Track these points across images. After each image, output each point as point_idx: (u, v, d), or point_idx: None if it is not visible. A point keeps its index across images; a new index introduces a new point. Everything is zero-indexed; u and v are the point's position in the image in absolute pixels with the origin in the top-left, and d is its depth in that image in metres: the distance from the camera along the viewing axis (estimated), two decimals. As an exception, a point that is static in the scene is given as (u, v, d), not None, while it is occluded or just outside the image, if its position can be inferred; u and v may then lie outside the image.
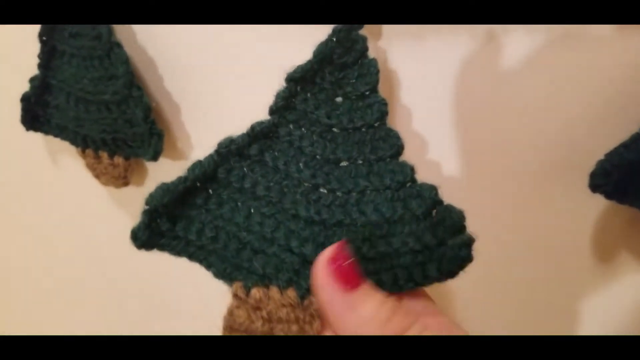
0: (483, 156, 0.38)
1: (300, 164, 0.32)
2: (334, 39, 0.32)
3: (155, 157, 0.42)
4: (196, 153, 0.45)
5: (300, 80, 0.33)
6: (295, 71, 0.32)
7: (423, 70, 0.36)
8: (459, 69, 0.35)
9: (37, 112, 0.47)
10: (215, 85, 0.42)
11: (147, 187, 0.49)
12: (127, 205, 0.51)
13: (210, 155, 0.33)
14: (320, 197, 0.32)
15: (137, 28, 0.43)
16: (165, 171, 0.40)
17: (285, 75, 0.33)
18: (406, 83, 0.37)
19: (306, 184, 0.32)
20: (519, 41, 0.34)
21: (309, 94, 0.33)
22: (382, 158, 0.31)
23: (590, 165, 0.33)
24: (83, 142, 0.46)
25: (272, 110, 0.33)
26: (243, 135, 0.33)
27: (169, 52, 0.43)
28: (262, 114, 0.33)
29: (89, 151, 0.47)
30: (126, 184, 0.47)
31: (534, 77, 0.34)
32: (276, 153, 0.33)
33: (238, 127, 0.33)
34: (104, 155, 0.46)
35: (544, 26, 0.33)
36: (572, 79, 0.34)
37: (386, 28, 0.35)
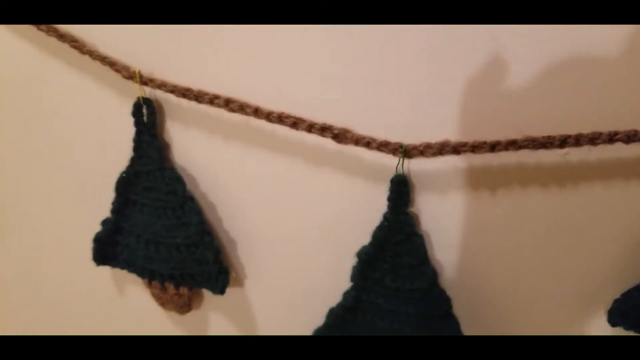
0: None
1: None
2: (386, 223, 0.42)
3: (222, 292, 0.49)
4: (250, 282, 0.52)
5: (366, 257, 0.44)
6: (361, 251, 0.44)
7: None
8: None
9: (107, 250, 0.53)
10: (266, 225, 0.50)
11: (205, 310, 0.55)
12: (190, 330, 0.57)
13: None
14: None
15: (201, 178, 0.50)
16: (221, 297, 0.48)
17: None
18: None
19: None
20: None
21: (376, 266, 0.43)
22: (435, 315, 0.41)
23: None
24: (150, 275, 0.53)
25: (352, 279, 0.45)
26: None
27: (228, 196, 0.50)
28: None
29: (155, 283, 0.53)
30: (189, 310, 0.53)
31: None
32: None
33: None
34: (170, 286, 0.53)
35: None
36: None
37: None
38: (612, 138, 0.37)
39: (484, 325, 0.46)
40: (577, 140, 0.38)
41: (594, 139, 0.37)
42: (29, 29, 0.48)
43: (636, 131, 0.37)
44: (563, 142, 0.38)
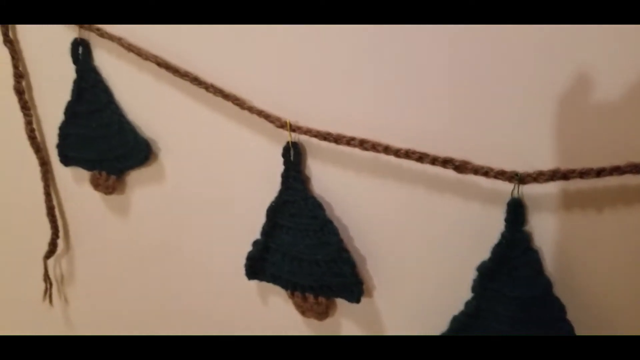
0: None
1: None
2: (504, 241, 0.49)
3: (358, 301, 0.59)
4: (378, 292, 0.61)
5: (486, 270, 0.52)
6: (482, 265, 0.52)
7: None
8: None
9: (257, 267, 0.64)
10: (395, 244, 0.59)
11: (338, 317, 0.65)
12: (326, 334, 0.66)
13: None
14: None
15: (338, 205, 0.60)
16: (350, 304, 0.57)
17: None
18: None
19: None
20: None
21: (495, 278, 0.51)
22: (551, 319, 0.48)
23: None
24: (293, 287, 0.63)
25: (472, 290, 0.52)
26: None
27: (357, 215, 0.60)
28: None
29: (297, 293, 0.63)
30: (326, 317, 0.63)
31: None
32: None
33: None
34: (310, 297, 0.62)
35: None
36: None
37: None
38: None
39: (594, 328, 0.52)
40: (677, 165, 0.44)
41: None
42: (199, 90, 0.61)
43: None
44: (663, 167, 0.44)
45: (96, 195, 0.76)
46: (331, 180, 0.59)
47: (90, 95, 0.69)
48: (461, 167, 0.51)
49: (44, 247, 0.83)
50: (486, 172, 0.50)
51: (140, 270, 0.78)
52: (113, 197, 0.75)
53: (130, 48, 0.64)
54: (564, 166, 0.48)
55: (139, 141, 0.67)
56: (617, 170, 0.45)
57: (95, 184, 0.73)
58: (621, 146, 0.46)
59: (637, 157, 0.45)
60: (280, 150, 0.59)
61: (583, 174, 0.46)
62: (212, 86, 0.60)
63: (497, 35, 0.48)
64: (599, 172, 0.46)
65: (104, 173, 0.72)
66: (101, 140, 0.70)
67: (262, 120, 0.58)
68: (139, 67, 0.65)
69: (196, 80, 0.61)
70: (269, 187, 0.61)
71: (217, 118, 0.62)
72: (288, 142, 0.58)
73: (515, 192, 0.50)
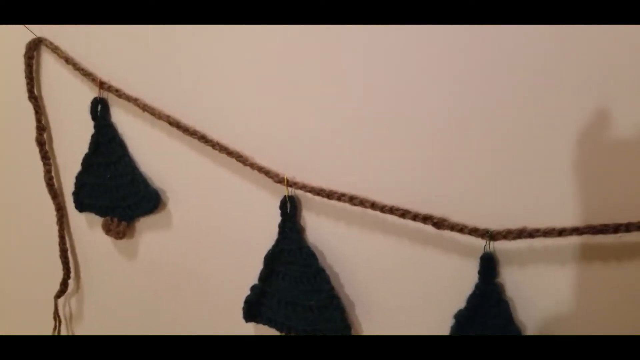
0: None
1: None
2: (477, 292, 0.54)
3: (347, 344, 0.63)
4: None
5: (462, 318, 0.56)
6: (458, 314, 0.57)
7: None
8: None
9: (254, 310, 0.69)
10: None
11: None
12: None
13: None
14: None
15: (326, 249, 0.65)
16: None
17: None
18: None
19: None
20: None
21: (470, 326, 0.55)
22: None
23: None
24: (287, 330, 0.67)
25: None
26: None
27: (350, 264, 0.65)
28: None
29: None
30: (318, 359, 0.67)
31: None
32: None
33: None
34: (303, 339, 0.67)
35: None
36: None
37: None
38: None
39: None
40: (627, 227, 0.49)
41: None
42: (206, 147, 0.67)
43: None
44: (616, 229, 0.49)
45: (107, 240, 0.81)
46: (324, 231, 0.65)
47: (106, 149, 0.76)
48: (439, 223, 0.56)
49: (56, 287, 0.89)
50: (461, 229, 0.55)
51: (146, 312, 0.83)
52: (123, 242, 0.80)
53: (145, 108, 0.71)
54: (532, 225, 0.53)
55: (150, 191, 0.74)
56: (576, 231, 0.51)
57: (107, 229, 0.79)
58: (583, 207, 0.52)
59: (596, 218, 0.51)
60: (278, 203, 0.65)
61: (546, 233, 0.52)
62: (218, 144, 0.67)
63: (466, 117, 0.54)
64: (561, 232, 0.52)
65: (115, 219, 0.78)
66: (114, 189, 0.76)
67: (262, 176, 0.65)
68: (152, 124, 0.72)
69: (203, 138, 0.67)
70: (267, 236, 0.67)
71: (221, 172, 0.69)
72: (285, 196, 0.64)
73: (488, 247, 0.55)
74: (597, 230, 0.50)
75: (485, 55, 0.52)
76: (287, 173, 0.64)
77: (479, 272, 0.56)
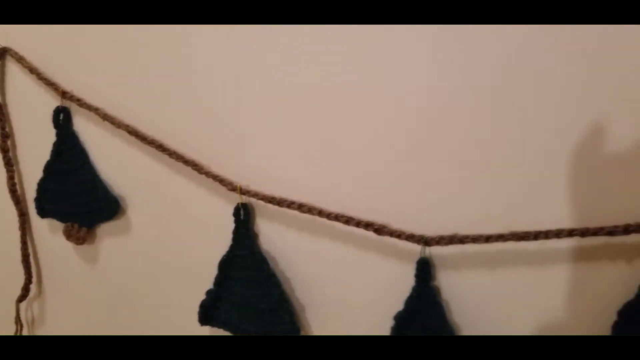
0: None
1: None
2: (415, 294, 0.58)
3: (296, 345, 0.66)
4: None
5: (400, 320, 0.60)
6: (397, 315, 0.60)
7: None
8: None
9: (209, 314, 0.72)
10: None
11: None
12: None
13: None
14: None
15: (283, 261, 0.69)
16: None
17: None
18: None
19: None
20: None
21: (409, 327, 0.59)
22: None
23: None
24: (241, 332, 0.70)
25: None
26: None
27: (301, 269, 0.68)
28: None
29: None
30: None
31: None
32: None
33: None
34: (256, 341, 0.70)
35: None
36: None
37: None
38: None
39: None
40: (546, 234, 0.54)
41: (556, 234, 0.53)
42: (164, 156, 0.70)
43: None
44: (536, 235, 0.54)
45: (69, 245, 0.83)
46: (277, 237, 0.68)
47: (68, 156, 0.78)
48: (380, 230, 0.60)
49: (18, 291, 0.90)
50: (399, 235, 0.59)
51: (107, 315, 0.85)
52: (84, 247, 0.82)
53: (105, 117, 0.73)
54: (463, 231, 0.57)
55: (109, 198, 0.76)
56: (501, 238, 0.55)
57: (68, 235, 0.81)
58: (507, 215, 0.56)
59: (520, 225, 0.55)
60: (232, 210, 0.68)
61: (475, 239, 0.56)
62: (175, 153, 0.70)
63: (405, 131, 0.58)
64: (488, 238, 0.56)
65: (76, 225, 0.80)
66: (75, 196, 0.79)
67: (217, 184, 0.68)
68: (113, 133, 0.75)
69: (161, 147, 0.70)
70: (222, 242, 0.70)
71: (178, 180, 0.71)
72: (238, 204, 0.67)
73: (423, 252, 0.59)
74: (520, 237, 0.54)
75: (423, 65, 0.57)
76: (243, 182, 0.67)
77: (416, 276, 0.60)
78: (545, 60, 0.52)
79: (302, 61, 0.61)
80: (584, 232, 0.52)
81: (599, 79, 0.50)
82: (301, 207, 0.64)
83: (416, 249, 0.60)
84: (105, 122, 0.74)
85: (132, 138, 0.72)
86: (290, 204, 0.64)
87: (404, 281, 0.61)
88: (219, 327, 0.72)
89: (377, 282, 0.64)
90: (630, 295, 0.53)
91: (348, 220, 0.61)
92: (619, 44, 0.49)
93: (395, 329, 0.61)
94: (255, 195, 0.66)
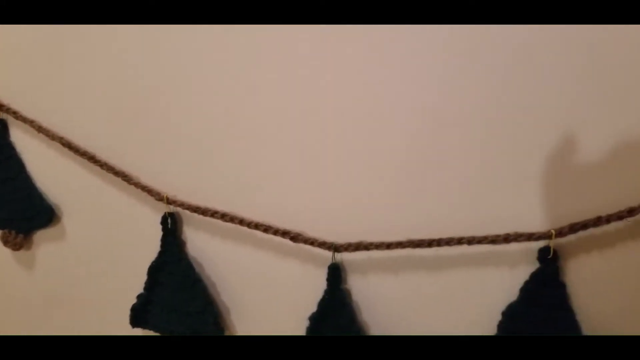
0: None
1: None
2: (327, 297, 0.63)
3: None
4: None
5: (314, 321, 0.65)
6: (311, 316, 0.63)
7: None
8: (393, 293, 0.65)
9: (140, 317, 0.75)
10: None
11: None
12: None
13: None
14: None
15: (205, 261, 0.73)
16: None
17: None
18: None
19: None
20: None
21: (322, 327, 0.64)
22: None
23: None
24: (170, 333, 0.74)
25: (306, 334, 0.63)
26: None
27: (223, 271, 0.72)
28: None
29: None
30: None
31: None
32: None
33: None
34: (184, 342, 0.74)
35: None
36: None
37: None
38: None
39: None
40: (439, 242, 0.59)
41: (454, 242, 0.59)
42: (95, 167, 0.73)
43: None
44: (430, 243, 0.59)
45: (6, 251, 0.85)
46: (203, 245, 0.72)
47: (5, 166, 0.80)
48: (295, 237, 0.65)
49: (-44, 297, 0.92)
50: (312, 242, 0.64)
51: (43, 319, 0.87)
52: (21, 253, 0.85)
53: (40, 129, 0.76)
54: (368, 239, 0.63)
55: (45, 206, 0.79)
56: (400, 245, 0.61)
57: (5, 241, 0.83)
58: (411, 223, 0.62)
59: (416, 233, 0.61)
60: (160, 219, 0.72)
61: (377, 246, 0.62)
62: (106, 164, 0.73)
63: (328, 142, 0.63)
64: (389, 245, 0.61)
65: (13, 232, 0.82)
66: (12, 204, 0.81)
67: (145, 194, 0.71)
68: (48, 145, 0.77)
69: (93, 159, 0.73)
70: (152, 249, 0.73)
71: (109, 190, 0.75)
72: (166, 213, 0.71)
73: (334, 258, 0.64)
74: (416, 244, 0.60)
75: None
76: (172, 193, 0.71)
77: (327, 280, 0.65)
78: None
79: (217, 80, 0.66)
80: (470, 241, 0.58)
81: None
82: (224, 217, 0.68)
83: (328, 255, 0.65)
84: (41, 134, 0.76)
85: (66, 149, 0.75)
86: (213, 213, 0.68)
87: (318, 285, 0.66)
88: (150, 329, 0.76)
89: (294, 286, 0.68)
90: (512, 297, 0.59)
91: (266, 229, 0.66)
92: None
93: (310, 328, 0.66)
94: (182, 205, 0.70)
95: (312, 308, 0.66)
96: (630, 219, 0.53)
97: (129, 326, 0.76)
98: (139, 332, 0.78)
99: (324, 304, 0.65)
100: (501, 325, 0.60)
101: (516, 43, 0.53)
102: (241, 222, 0.67)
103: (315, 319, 0.65)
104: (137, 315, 0.75)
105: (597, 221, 0.54)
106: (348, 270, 0.66)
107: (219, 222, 0.69)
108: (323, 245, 0.64)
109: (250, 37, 0.62)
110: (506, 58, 0.54)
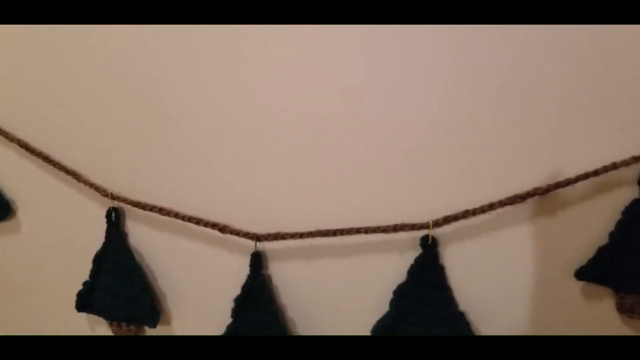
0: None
1: None
2: (249, 281, 0.73)
3: (155, 326, 0.79)
4: (175, 320, 0.82)
5: (238, 302, 0.73)
6: (236, 298, 0.73)
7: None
8: (307, 278, 0.75)
9: (85, 302, 0.83)
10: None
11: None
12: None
13: None
14: None
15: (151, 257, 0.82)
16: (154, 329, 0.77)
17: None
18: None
19: None
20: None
21: (246, 308, 0.73)
22: None
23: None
24: (112, 318, 0.83)
25: (232, 315, 0.72)
26: None
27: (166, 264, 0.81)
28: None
29: (114, 323, 0.83)
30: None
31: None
32: None
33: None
34: (124, 325, 0.82)
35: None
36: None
37: (272, 261, 0.76)
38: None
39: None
40: (342, 232, 0.70)
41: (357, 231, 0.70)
42: (49, 166, 0.82)
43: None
44: (335, 232, 0.70)
45: (-37, 244, 0.93)
46: (143, 236, 0.81)
47: (-36, 164, 0.88)
48: (223, 229, 0.75)
49: None
50: (238, 233, 0.74)
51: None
52: (-23, 246, 0.92)
53: (-1, 132, 0.85)
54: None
55: (2, 201, 0.87)
56: (311, 234, 0.71)
57: (-38, 235, 0.90)
58: (325, 215, 0.72)
59: (325, 224, 0.71)
60: (105, 213, 0.81)
61: (292, 235, 0.72)
62: (59, 164, 0.82)
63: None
64: (301, 235, 0.72)
65: (-30, 226, 0.90)
66: (-31, 199, 0.89)
67: (93, 191, 0.80)
68: (6, 145, 0.85)
69: (47, 159, 0.82)
70: (98, 240, 0.82)
71: (61, 187, 0.83)
72: (110, 207, 0.80)
73: (256, 247, 0.74)
74: (323, 234, 0.71)
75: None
76: (116, 189, 0.80)
77: (250, 266, 0.75)
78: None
79: (167, 74, 0.76)
80: (367, 230, 0.69)
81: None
82: (161, 211, 0.77)
83: (251, 244, 0.75)
84: (-1, 135, 0.85)
85: (23, 150, 0.84)
86: (152, 208, 0.78)
87: (242, 270, 0.75)
88: (94, 313, 0.84)
89: (221, 272, 0.78)
90: (402, 278, 0.70)
91: (198, 222, 0.76)
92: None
93: (234, 310, 0.75)
94: (124, 200, 0.79)
95: (237, 291, 0.75)
96: (492, 212, 0.65)
97: (75, 311, 0.84)
98: (84, 317, 0.86)
99: (247, 287, 0.75)
100: (393, 303, 0.70)
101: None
102: (176, 215, 0.77)
103: (239, 301, 0.75)
104: (83, 301, 0.83)
105: (466, 214, 0.66)
106: (269, 258, 0.76)
107: (157, 215, 0.78)
108: (247, 235, 0.74)
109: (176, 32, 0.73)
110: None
